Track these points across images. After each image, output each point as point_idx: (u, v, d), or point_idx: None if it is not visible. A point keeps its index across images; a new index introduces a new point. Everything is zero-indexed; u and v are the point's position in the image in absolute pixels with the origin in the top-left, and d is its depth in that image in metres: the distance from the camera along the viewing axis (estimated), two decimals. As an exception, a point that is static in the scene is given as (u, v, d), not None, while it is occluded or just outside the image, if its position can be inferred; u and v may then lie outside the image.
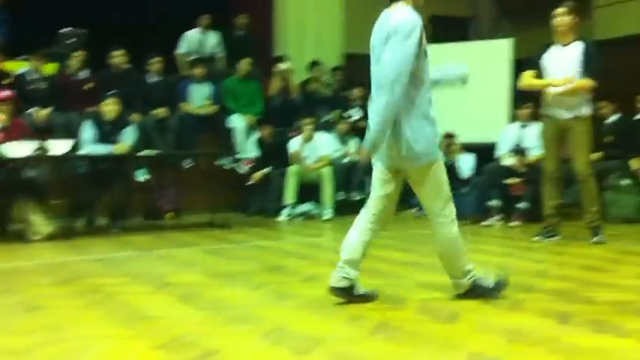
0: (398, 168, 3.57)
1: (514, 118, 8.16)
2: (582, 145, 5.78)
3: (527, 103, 7.87)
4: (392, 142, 3.45)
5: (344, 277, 3.61)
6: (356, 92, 9.44)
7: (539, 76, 5.87)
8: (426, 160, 3.46)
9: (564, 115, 5.77)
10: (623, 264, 4.84)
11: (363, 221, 3.68)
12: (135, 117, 8.10)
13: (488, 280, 3.73)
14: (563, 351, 2.81)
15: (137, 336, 3.10)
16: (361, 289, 3.68)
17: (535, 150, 7.47)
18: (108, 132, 7.05)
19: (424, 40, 3.44)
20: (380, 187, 3.65)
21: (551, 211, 6.05)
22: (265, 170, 8.34)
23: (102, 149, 6.93)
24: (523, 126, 7.73)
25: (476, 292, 3.66)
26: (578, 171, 5.82)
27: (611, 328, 3.13)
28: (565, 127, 5.79)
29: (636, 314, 3.39)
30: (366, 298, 3.69)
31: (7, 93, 6.93)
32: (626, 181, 7.38)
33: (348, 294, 3.63)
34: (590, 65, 5.65)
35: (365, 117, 8.66)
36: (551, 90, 5.77)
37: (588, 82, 5.65)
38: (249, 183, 8.37)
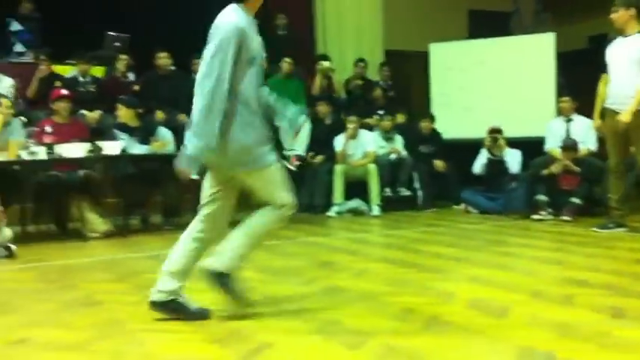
0: (230, 175, 3.47)
1: (559, 112, 8.08)
2: None
3: (565, 96, 7.78)
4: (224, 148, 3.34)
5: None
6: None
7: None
8: (259, 165, 3.42)
9: (624, 108, 5.74)
10: (676, 258, 4.77)
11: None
12: (182, 117, 8.24)
13: (192, 304, 3.44)
14: (615, 345, 2.79)
15: (192, 331, 3.18)
16: None
17: (583, 144, 7.37)
18: (138, 135, 7.07)
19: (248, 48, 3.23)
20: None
21: (615, 204, 6.08)
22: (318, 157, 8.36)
23: (140, 149, 6.98)
24: (567, 120, 7.67)
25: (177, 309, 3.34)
26: (639, 164, 5.86)
27: (664, 322, 3.10)
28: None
29: (690, 308, 3.35)
30: None
31: (65, 92, 7.13)
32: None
33: None
34: None
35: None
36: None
37: None
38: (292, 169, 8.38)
